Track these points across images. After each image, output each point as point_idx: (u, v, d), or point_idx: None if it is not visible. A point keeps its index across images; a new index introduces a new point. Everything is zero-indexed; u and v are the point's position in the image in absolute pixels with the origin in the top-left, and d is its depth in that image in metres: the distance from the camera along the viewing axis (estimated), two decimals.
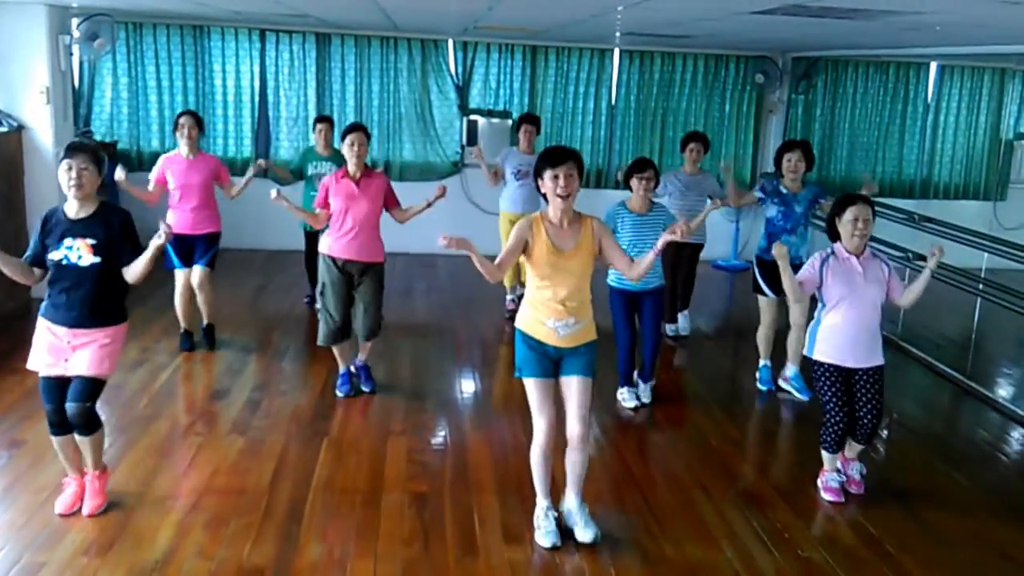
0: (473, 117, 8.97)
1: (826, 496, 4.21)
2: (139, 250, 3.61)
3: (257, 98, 8.79)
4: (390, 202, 5.10)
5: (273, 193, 4.86)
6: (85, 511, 3.72)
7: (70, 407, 3.60)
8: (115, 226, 3.59)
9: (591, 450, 4.59)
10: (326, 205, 4.98)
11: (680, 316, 6.75)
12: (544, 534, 3.67)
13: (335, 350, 5.18)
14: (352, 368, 5.29)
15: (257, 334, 6.35)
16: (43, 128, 6.74)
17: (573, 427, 3.65)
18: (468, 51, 8.91)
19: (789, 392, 5.55)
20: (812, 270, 4.13)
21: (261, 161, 6.30)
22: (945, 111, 9.80)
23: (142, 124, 8.63)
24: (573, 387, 3.64)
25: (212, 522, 3.70)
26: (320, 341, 5.13)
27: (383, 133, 8.96)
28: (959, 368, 6.09)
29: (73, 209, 3.57)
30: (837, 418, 4.12)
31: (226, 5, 6.74)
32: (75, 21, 7.09)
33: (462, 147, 9.05)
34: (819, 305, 4.20)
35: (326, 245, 5.05)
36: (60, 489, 3.81)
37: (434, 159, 9.07)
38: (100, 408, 4.67)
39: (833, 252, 4.12)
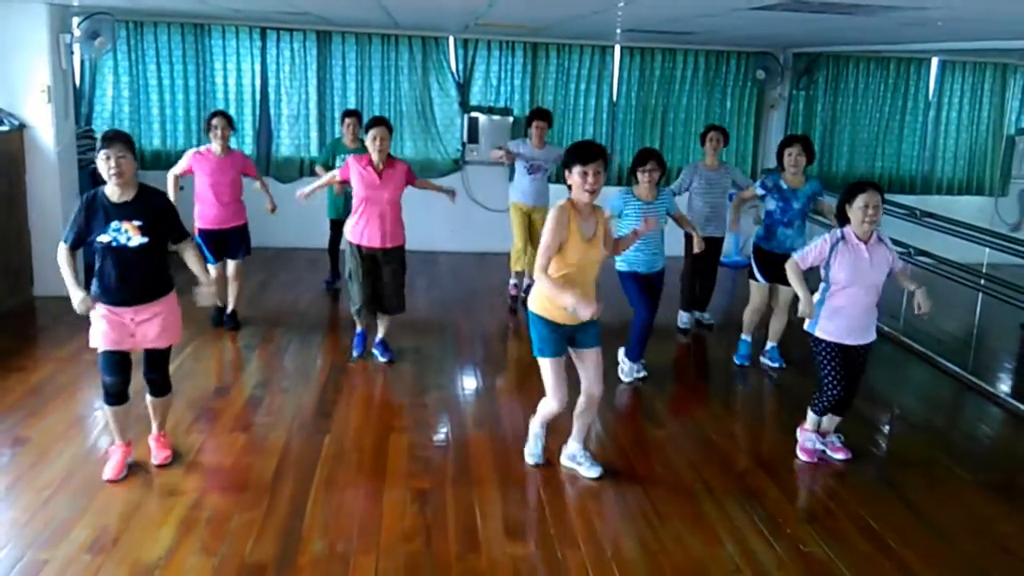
0: (474, 114, 8.97)
1: (802, 456, 4.48)
2: (180, 227, 3.98)
3: (258, 96, 8.79)
4: (411, 180, 5.47)
5: (301, 197, 5.37)
6: (156, 461, 4.16)
7: (152, 377, 4.06)
8: (158, 207, 3.88)
9: (592, 445, 4.63)
10: (347, 180, 5.34)
11: (683, 313, 6.82)
12: (530, 451, 4.30)
13: (358, 320, 5.69)
14: (375, 343, 5.74)
15: (260, 331, 6.36)
16: (44, 127, 6.75)
17: (594, 389, 4.09)
18: (469, 48, 8.91)
19: (766, 365, 5.94)
20: (822, 252, 4.28)
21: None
22: (947, 107, 9.79)
23: (143, 123, 8.63)
24: (590, 358, 4.06)
25: (215, 518, 3.71)
26: (352, 310, 5.64)
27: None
28: (960, 363, 6.09)
29: (116, 194, 3.77)
30: (835, 391, 4.37)
31: (227, 3, 6.74)
32: (76, 20, 7.09)
33: (463, 144, 9.05)
34: (822, 284, 4.35)
35: (350, 232, 5.40)
36: (103, 458, 4.11)
37: (435, 156, 9.07)
38: (102, 405, 4.71)
39: (843, 237, 4.24)
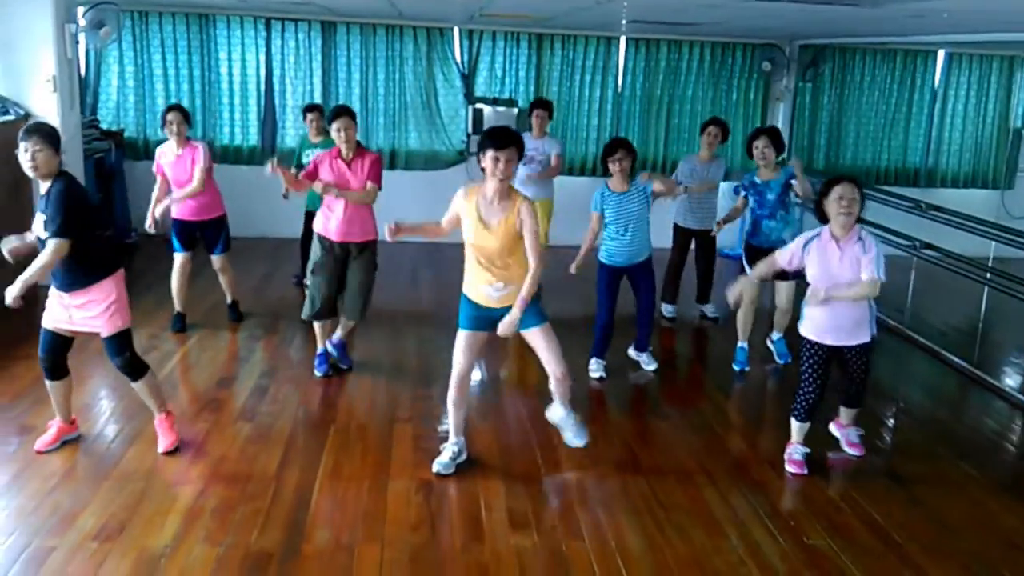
0: (479, 106, 8.95)
1: (789, 468, 4.36)
2: (56, 220, 3.78)
3: (263, 86, 8.78)
4: (373, 177, 5.06)
5: (269, 166, 4.96)
6: (160, 449, 4.20)
7: (115, 363, 4.12)
8: (53, 200, 3.81)
9: (597, 437, 4.63)
10: (311, 177, 5.04)
11: (665, 306, 6.85)
12: (437, 460, 4.15)
13: (316, 326, 5.30)
14: (328, 346, 5.37)
15: (264, 321, 6.37)
16: (50, 116, 6.73)
17: (553, 368, 4.05)
18: (474, 39, 8.88)
19: (770, 351, 5.98)
20: (794, 250, 4.26)
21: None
22: (953, 99, 9.75)
23: (148, 112, 8.63)
24: (535, 338, 4.03)
25: (220, 508, 3.72)
26: (304, 315, 5.26)
27: (388, 122, 8.95)
28: (966, 357, 6.08)
29: (40, 188, 3.90)
30: (810, 389, 4.30)
31: None
32: (81, 10, 7.09)
33: (468, 136, 9.03)
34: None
35: (320, 225, 5.14)
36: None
37: (440, 148, 9.06)
38: (108, 395, 4.72)
39: (818, 235, 4.18)
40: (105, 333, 4.04)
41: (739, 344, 5.82)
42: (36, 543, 3.40)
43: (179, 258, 5.97)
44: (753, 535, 3.74)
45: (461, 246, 4.07)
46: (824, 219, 4.16)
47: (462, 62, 8.94)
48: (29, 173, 3.83)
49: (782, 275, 5.51)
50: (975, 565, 3.64)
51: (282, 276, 7.50)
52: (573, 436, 4.27)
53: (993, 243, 6.12)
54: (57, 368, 4.15)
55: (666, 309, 6.86)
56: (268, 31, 8.67)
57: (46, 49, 6.66)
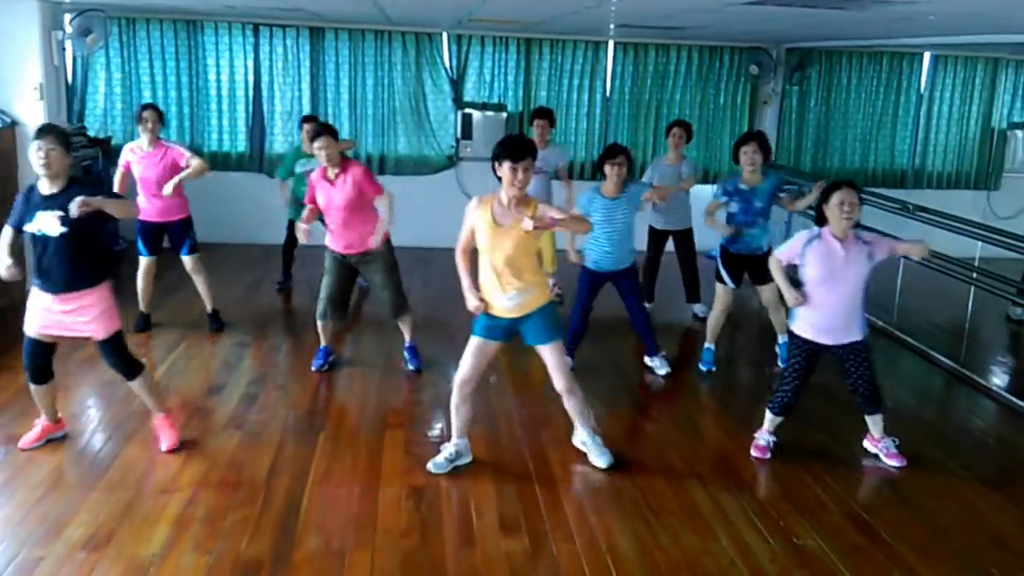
0: (468, 110, 8.96)
1: (753, 453, 4.49)
2: (107, 217, 3.99)
3: (251, 92, 8.76)
4: (370, 190, 5.17)
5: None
6: (163, 447, 4.27)
7: (111, 364, 4.18)
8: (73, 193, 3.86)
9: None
10: (314, 201, 5.22)
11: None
12: (433, 460, 4.19)
13: (319, 324, 5.45)
14: (405, 347, 5.63)
15: (253, 329, 6.35)
16: (36, 124, 6.68)
17: (558, 383, 4.16)
18: (462, 44, 8.89)
19: (775, 354, 5.98)
20: (795, 248, 4.30)
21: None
22: (939, 101, 9.82)
23: (135, 120, 8.57)
24: (544, 355, 4.12)
25: (209, 516, 3.71)
26: (316, 312, 5.43)
27: (377, 127, 8.95)
28: (953, 356, 6.11)
29: (46, 186, 3.91)
30: (791, 385, 4.38)
31: None
32: (68, 17, 7.07)
33: (457, 141, 9.04)
34: (802, 285, 4.34)
35: (327, 239, 5.32)
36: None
37: (429, 153, 9.06)
38: (95, 404, 4.71)
39: (819, 235, 4.23)
40: (101, 336, 4.08)
41: (707, 345, 5.86)
42: (24, 553, 3.38)
43: (145, 262, 6.02)
44: (743, 536, 3.75)
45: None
46: (822, 222, 4.23)
47: (451, 67, 8.95)
48: (40, 171, 3.87)
49: (757, 278, 5.55)
50: (964, 563, 3.66)
51: (270, 283, 7.48)
52: (596, 457, 4.30)
53: (979, 243, 6.16)
54: (43, 373, 4.19)
55: (698, 309, 6.97)
56: (256, 37, 8.65)
57: (32, 56, 6.64)
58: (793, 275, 4.43)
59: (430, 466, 4.15)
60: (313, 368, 5.47)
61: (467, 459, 4.26)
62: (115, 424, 4.62)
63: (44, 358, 4.16)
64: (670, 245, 6.93)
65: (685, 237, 6.82)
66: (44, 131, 3.92)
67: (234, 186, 8.67)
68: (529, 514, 3.87)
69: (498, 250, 3.91)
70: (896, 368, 6.32)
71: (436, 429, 4.72)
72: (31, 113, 6.70)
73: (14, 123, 6.66)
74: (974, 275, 6.09)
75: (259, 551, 3.47)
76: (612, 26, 7.82)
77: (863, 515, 3.97)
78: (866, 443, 4.65)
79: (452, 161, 9.09)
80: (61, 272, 3.96)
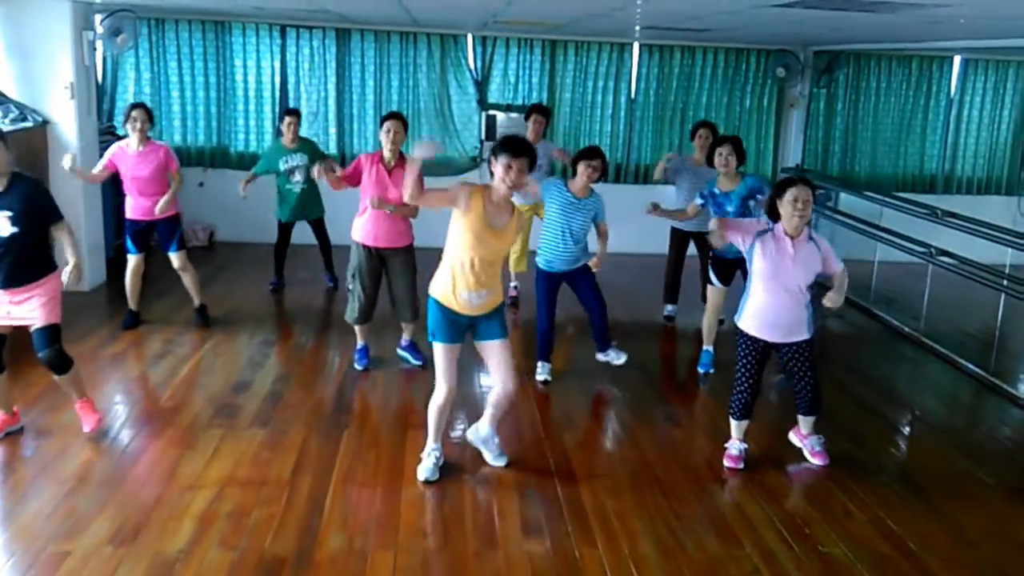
0: (492, 112, 8.97)
1: (726, 463, 4.41)
2: (54, 210, 4.17)
3: (278, 93, 8.83)
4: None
5: (316, 171, 5.12)
6: (86, 429, 4.34)
7: (43, 354, 4.16)
8: (29, 195, 4.05)
9: (609, 443, 4.62)
10: (353, 178, 5.16)
11: (667, 306, 6.92)
12: (423, 468, 4.09)
13: (357, 327, 5.48)
14: (400, 346, 5.66)
15: (277, 327, 6.39)
16: (67, 123, 6.82)
17: (507, 383, 4.04)
18: (487, 46, 8.91)
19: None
20: (747, 228, 4.25)
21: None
22: (969, 105, 9.69)
23: (164, 119, 8.68)
24: (495, 350, 4.03)
25: (234, 513, 3.74)
26: (347, 318, 5.44)
27: None
28: (982, 364, 6.03)
29: None
30: (744, 386, 4.34)
31: (248, 1, 6.78)
32: (99, 17, 7.15)
33: (481, 142, 9.05)
34: (748, 277, 4.29)
35: (356, 231, 5.27)
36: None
37: (453, 154, 9.07)
38: (123, 400, 4.76)
39: (771, 230, 4.17)
40: (43, 323, 4.13)
41: (705, 347, 5.82)
42: (51, 548, 3.42)
43: (133, 260, 6.05)
44: (767, 543, 3.72)
45: None
46: (775, 218, 4.17)
47: (475, 68, 8.96)
48: None
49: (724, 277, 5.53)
50: (991, 573, 3.61)
51: (295, 282, 7.53)
52: (494, 458, 4.29)
53: (1010, 250, 6.07)
54: None
55: (667, 309, 6.95)
56: (283, 38, 8.72)
57: (64, 56, 6.73)
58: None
59: (425, 475, 4.08)
60: (359, 368, 5.51)
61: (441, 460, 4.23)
62: (142, 420, 4.67)
63: None
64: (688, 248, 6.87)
65: (705, 239, 6.74)
66: None
67: (260, 186, 8.67)
68: (551, 517, 3.86)
69: (483, 249, 3.82)
70: (924, 376, 6.25)
71: (458, 430, 4.72)
72: (62, 112, 6.79)
73: (46, 122, 6.75)
74: (1004, 282, 6.00)
75: (283, 549, 3.49)
76: (638, 28, 7.80)
77: (890, 524, 3.93)
78: (792, 436, 4.61)
79: (476, 162, 9.10)
80: (13, 268, 4.03)
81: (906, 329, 6.87)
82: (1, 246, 3.98)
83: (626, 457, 4.51)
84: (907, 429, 5.30)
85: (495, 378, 4.10)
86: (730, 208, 5.36)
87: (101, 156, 7.19)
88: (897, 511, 4.05)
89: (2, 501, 3.84)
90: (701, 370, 5.81)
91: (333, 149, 8.78)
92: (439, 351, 3.98)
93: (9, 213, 3.94)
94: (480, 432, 4.33)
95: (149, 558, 3.38)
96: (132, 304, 6.14)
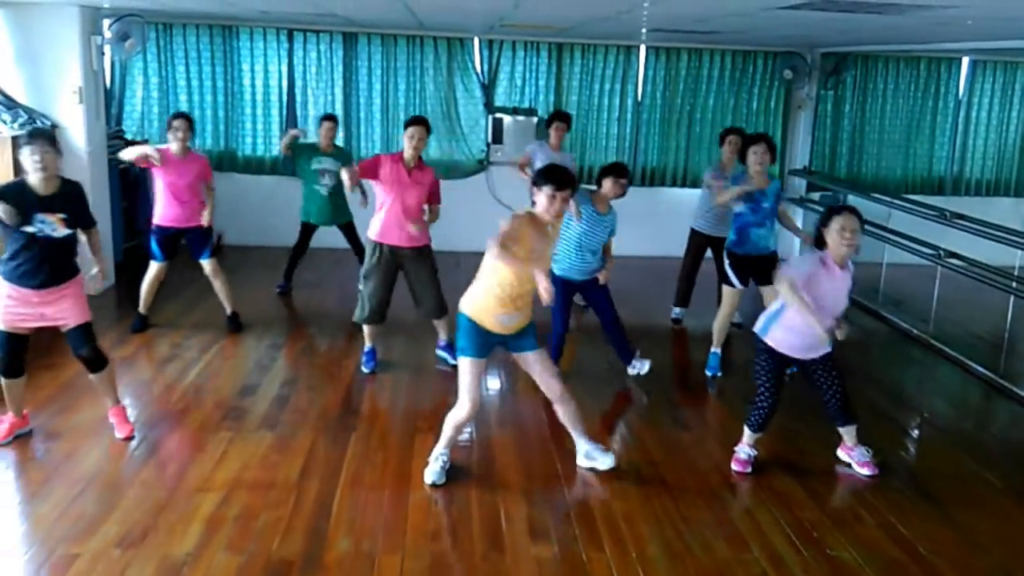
0: (499, 115, 8.97)
1: (734, 467, 4.40)
2: (90, 214, 4.32)
3: (285, 97, 8.85)
4: (433, 199, 5.37)
5: (346, 178, 5.12)
6: (119, 435, 4.40)
7: (83, 351, 4.29)
8: (77, 198, 4.20)
9: (617, 446, 4.62)
10: (367, 170, 5.17)
11: (675, 308, 6.92)
12: (430, 472, 4.11)
13: (366, 329, 5.48)
14: (438, 347, 5.73)
15: (286, 330, 6.41)
16: (76, 127, 6.85)
17: (552, 386, 4.13)
18: (493, 49, 8.92)
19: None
20: (805, 275, 4.04)
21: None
22: (977, 107, 9.65)
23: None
24: (534, 359, 4.11)
25: (242, 516, 3.74)
26: (355, 318, 5.47)
27: None
28: (992, 367, 6.00)
29: (42, 187, 4.03)
30: (768, 402, 4.30)
31: (254, 5, 6.80)
32: (107, 22, 7.19)
33: (488, 145, 9.06)
34: (781, 299, 4.18)
35: (374, 230, 5.31)
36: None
37: (460, 157, 9.09)
38: (131, 403, 4.79)
39: (823, 260, 4.07)
40: (78, 321, 4.24)
41: (713, 349, 5.81)
42: (60, 551, 3.43)
43: (157, 267, 6.06)
44: (776, 546, 3.70)
45: (477, 256, 4.06)
46: (822, 246, 4.10)
47: (482, 72, 8.97)
48: (37, 174, 3.99)
49: (763, 279, 5.48)
50: None
51: (304, 285, 7.54)
52: (603, 462, 4.28)
53: (1019, 252, 6.04)
54: (19, 367, 4.30)
55: (675, 311, 6.92)
56: (290, 42, 8.74)
57: (72, 61, 6.76)
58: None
59: (432, 478, 4.09)
60: (366, 370, 5.52)
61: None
62: (150, 424, 4.68)
63: (20, 352, 4.26)
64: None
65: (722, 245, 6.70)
66: (36, 136, 4.05)
67: (267, 190, 8.77)
68: (559, 520, 3.86)
69: (523, 273, 3.83)
70: (933, 379, 6.22)
71: (465, 433, 4.72)
72: (71, 117, 6.82)
73: (54, 126, 6.78)
74: (1014, 284, 5.97)
75: (290, 552, 3.49)
76: (644, 31, 7.79)
77: (900, 528, 3.91)
78: (840, 452, 4.55)
79: (483, 165, 9.10)
80: (56, 268, 4.13)
81: (915, 331, 6.85)
82: (54, 247, 4.10)
83: (633, 460, 4.50)
84: (916, 432, 5.28)
85: (542, 385, 4.17)
86: (767, 204, 5.42)
87: (109, 160, 7.29)
88: (906, 515, 4.03)
89: (12, 503, 3.86)
90: (709, 373, 5.80)
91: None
92: (466, 365, 3.99)
93: (63, 215, 4.07)
94: (580, 451, 4.33)
95: (157, 561, 3.39)
96: (143, 308, 6.15)
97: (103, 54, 7.20)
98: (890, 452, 4.63)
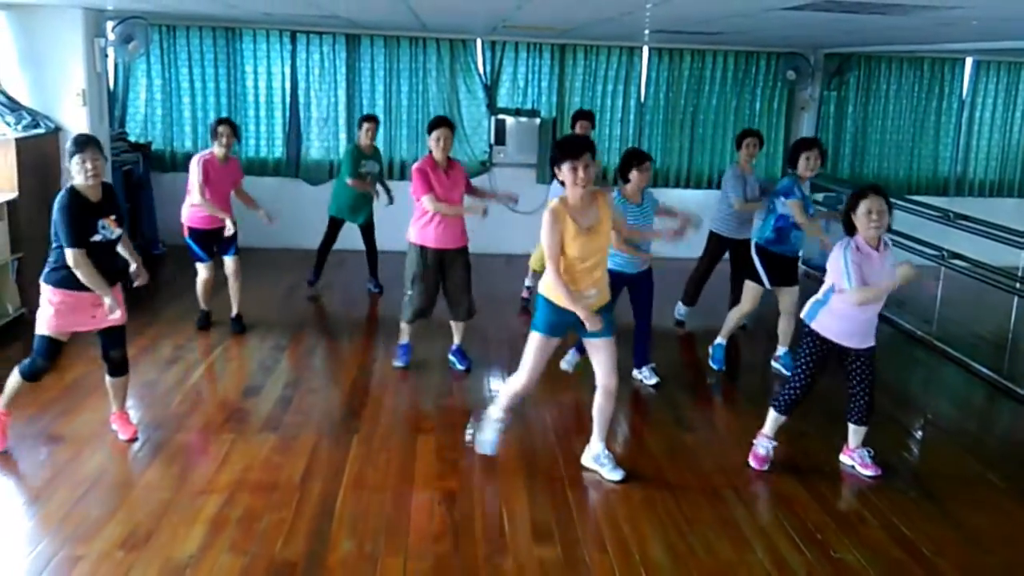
0: (501, 116, 8.98)
1: (752, 463, 4.39)
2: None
3: (288, 99, 8.86)
4: (469, 187, 5.56)
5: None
6: (124, 437, 4.44)
7: (116, 353, 4.34)
8: (116, 197, 4.28)
9: (620, 448, 4.61)
10: (425, 187, 5.19)
11: (680, 306, 6.93)
12: (483, 442, 4.30)
13: (408, 326, 5.59)
14: (450, 351, 5.76)
15: (289, 332, 6.41)
16: (79, 129, 6.82)
17: (610, 380, 4.10)
18: (496, 50, 8.92)
19: (779, 370, 5.86)
20: (842, 266, 4.01)
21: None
22: (981, 107, 9.64)
23: (175, 125, 8.74)
24: (603, 348, 4.05)
25: (245, 518, 3.74)
26: (406, 319, 5.54)
27: (412, 133, 9.00)
28: (995, 368, 5.99)
29: (93, 194, 4.08)
30: (802, 383, 4.28)
31: (257, 7, 6.81)
32: (110, 24, 7.20)
33: (490, 146, 9.06)
34: (826, 287, 4.20)
35: (415, 235, 5.37)
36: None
37: (463, 158, 9.06)
38: (134, 405, 4.81)
39: (853, 244, 4.04)
40: (122, 322, 4.29)
41: (718, 340, 5.83)
42: (64, 552, 3.44)
43: (206, 269, 6.14)
44: (779, 548, 3.70)
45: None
46: (851, 231, 4.09)
47: (485, 73, 8.97)
48: (89, 180, 4.02)
49: (787, 279, 5.49)
50: None
51: (306, 287, 7.53)
52: (611, 470, 4.24)
53: (1023, 252, 6.03)
54: (47, 373, 4.32)
55: (679, 310, 6.88)
56: (293, 44, 8.75)
57: (76, 63, 6.78)
58: (819, 275, 4.33)
59: (487, 449, 4.27)
60: (400, 364, 5.61)
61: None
62: (154, 425, 4.68)
63: (59, 355, 4.29)
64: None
65: (746, 248, 6.64)
66: (86, 143, 4.06)
67: (271, 191, 8.73)
68: (562, 522, 3.85)
69: (588, 253, 3.85)
70: (937, 379, 6.21)
71: (468, 435, 4.72)
72: (74, 119, 6.83)
73: (58, 129, 6.79)
74: (1017, 285, 5.96)
75: (293, 553, 3.49)
76: (647, 32, 7.79)
77: (903, 529, 3.90)
78: (842, 457, 4.53)
79: (486, 167, 9.10)
80: (109, 270, 4.17)
81: (918, 332, 6.83)
82: (109, 249, 4.17)
83: (637, 462, 4.49)
84: (919, 433, 5.27)
85: (598, 373, 4.12)
86: (810, 209, 5.52)
87: (113, 162, 7.30)
88: (910, 516, 4.02)
89: (15, 506, 3.87)
90: (715, 366, 5.81)
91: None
92: (536, 340, 4.02)
93: (114, 216, 4.14)
94: (592, 451, 4.31)
95: (160, 563, 3.39)
96: (204, 304, 6.28)
97: (107, 56, 7.21)
98: (893, 453, 4.62)
